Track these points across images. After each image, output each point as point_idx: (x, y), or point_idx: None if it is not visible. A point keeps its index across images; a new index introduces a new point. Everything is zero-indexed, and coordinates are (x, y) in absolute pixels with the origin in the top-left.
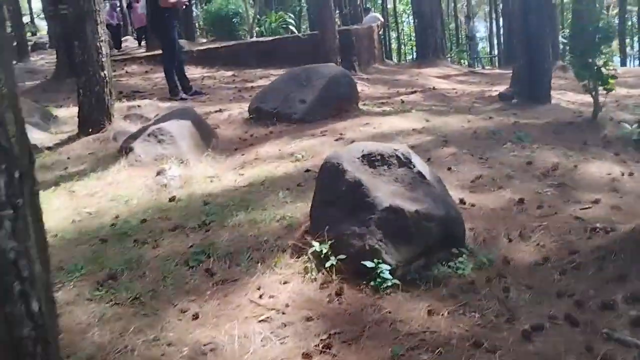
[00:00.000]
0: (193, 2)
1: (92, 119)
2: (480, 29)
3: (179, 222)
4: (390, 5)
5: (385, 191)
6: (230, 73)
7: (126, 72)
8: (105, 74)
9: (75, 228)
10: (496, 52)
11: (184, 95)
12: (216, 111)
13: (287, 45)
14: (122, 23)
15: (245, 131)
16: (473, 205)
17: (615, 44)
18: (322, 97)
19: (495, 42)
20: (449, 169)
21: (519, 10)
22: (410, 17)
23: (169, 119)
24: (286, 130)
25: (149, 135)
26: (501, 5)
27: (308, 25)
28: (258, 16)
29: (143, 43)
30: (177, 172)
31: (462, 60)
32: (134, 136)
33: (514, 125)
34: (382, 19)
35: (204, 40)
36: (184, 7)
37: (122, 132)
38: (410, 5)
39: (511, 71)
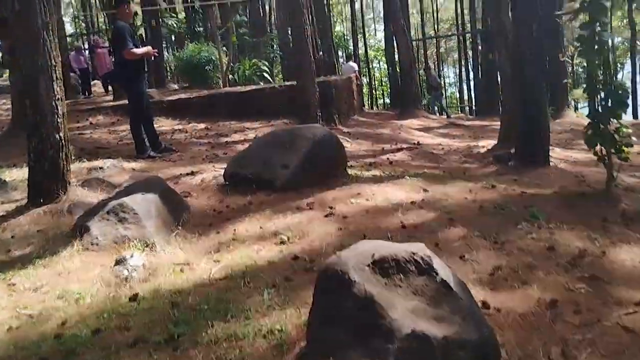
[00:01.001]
0: (165, 46)
1: (45, 187)
2: (450, 74)
3: (141, 334)
4: (361, 51)
5: (403, 310)
6: (202, 125)
7: (91, 123)
8: (60, 136)
9: (11, 339)
10: (466, 97)
11: (152, 153)
12: (187, 174)
13: (263, 95)
14: (90, 66)
15: (221, 200)
16: (498, 310)
17: (580, 91)
18: (306, 162)
19: (465, 88)
20: (462, 257)
21: (513, 64)
22: (381, 63)
23: (132, 192)
24: (267, 200)
25: (108, 212)
26: (471, 53)
27: (281, 71)
28: (232, 64)
29: (110, 88)
30: (141, 261)
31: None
32: (91, 212)
33: (521, 197)
34: (357, 70)
35: (175, 87)
36: (153, 57)
37: (79, 203)
38: (383, 53)
39: (492, 123)
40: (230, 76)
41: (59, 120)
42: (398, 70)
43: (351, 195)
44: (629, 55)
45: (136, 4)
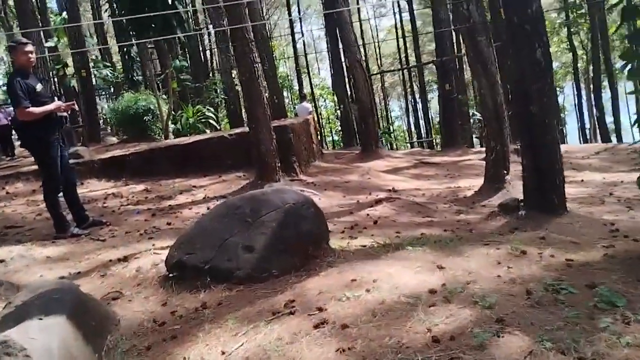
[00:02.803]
0: (105, 96)
1: None
2: (394, 108)
3: None
4: (306, 90)
5: None
6: (141, 187)
7: (6, 193)
8: None
9: None
10: (414, 129)
11: (75, 231)
12: (119, 260)
13: (210, 147)
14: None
15: (164, 303)
16: None
17: None
18: (277, 240)
19: (412, 120)
20: None
21: (515, 98)
22: (327, 101)
23: (27, 315)
24: (228, 299)
25: None
26: (416, 86)
27: (226, 115)
28: (173, 112)
29: None
30: None
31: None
32: None
33: (570, 268)
34: (311, 111)
35: (114, 140)
36: (68, 112)
37: None
38: (328, 90)
39: (461, 158)
40: (173, 125)
41: None
42: (353, 108)
43: (344, 285)
44: (571, 78)
45: (65, 53)
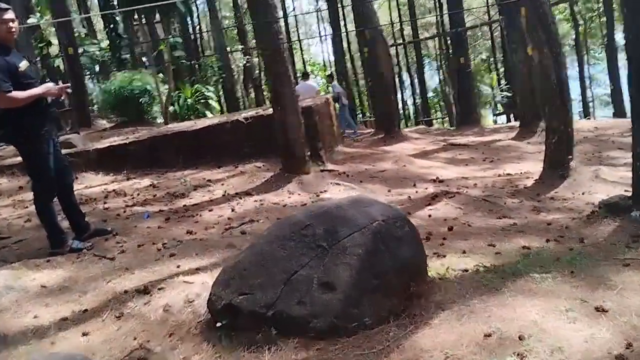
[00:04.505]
0: (89, 77)
1: None
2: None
3: None
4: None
5: None
6: (146, 181)
7: None
8: None
9: None
10: (408, 105)
11: (75, 244)
12: (137, 292)
13: (223, 133)
14: None
15: None
16: None
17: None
18: (367, 273)
19: (409, 98)
20: None
21: (631, 66)
22: (318, 77)
23: None
24: None
25: None
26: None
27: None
28: (171, 93)
29: None
30: None
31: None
32: None
33: None
34: (318, 90)
35: (105, 124)
36: (62, 98)
37: None
38: (319, 67)
39: (489, 138)
40: (170, 107)
41: None
42: (370, 84)
43: (476, 343)
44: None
45: (46, 32)
